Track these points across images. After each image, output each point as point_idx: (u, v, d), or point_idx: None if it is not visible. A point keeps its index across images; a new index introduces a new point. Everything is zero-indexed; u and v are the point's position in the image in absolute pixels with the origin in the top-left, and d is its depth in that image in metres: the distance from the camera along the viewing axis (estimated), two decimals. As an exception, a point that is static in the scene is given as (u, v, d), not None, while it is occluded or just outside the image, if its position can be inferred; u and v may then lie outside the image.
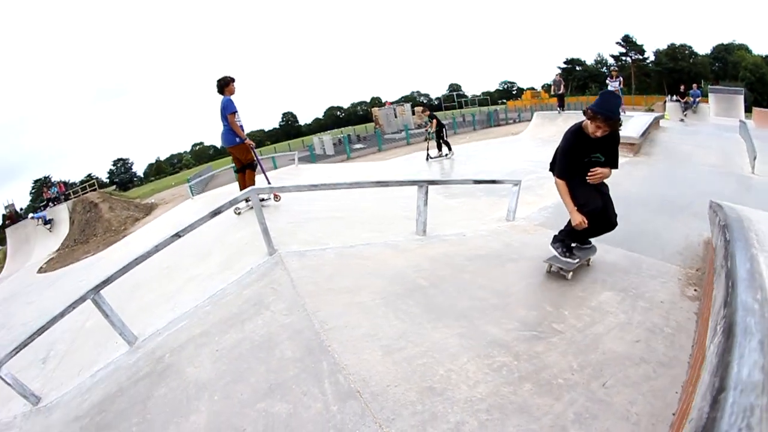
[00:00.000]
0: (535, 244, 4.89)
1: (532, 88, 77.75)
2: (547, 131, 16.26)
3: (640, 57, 70.36)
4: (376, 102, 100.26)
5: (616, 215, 3.86)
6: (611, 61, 73.39)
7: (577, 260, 3.95)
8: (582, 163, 3.70)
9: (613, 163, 3.76)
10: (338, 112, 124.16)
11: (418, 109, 46.80)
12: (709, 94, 23.93)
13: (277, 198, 7.24)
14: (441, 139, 14.54)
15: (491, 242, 5.21)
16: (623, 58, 71.75)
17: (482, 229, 5.88)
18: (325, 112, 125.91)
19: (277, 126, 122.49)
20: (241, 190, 7.27)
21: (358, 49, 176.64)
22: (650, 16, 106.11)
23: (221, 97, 6.90)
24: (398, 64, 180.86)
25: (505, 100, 76.00)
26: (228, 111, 6.82)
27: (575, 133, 3.64)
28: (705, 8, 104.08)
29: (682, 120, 21.04)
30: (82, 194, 28.44)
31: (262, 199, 7.18)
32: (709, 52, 64.95)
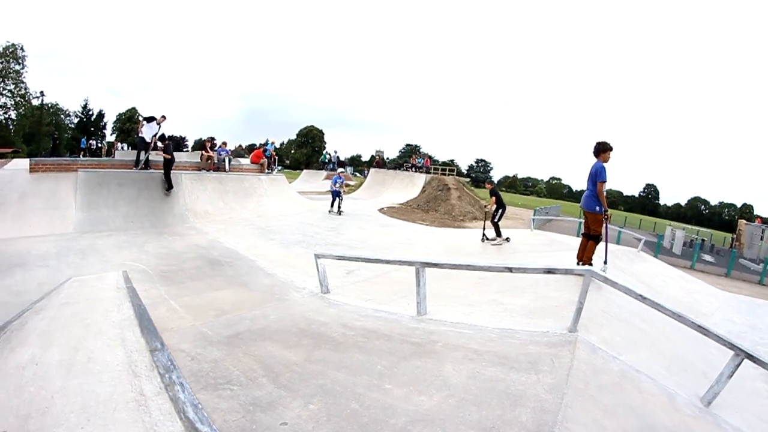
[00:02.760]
0: None
1: None
2: None
3: None
4: (746, 211, 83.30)
5: None
6: None
7: None
8: None
9: None
10: (703, 207, 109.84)
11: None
12: None
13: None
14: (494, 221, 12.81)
15: None
16: None
17: None
18: (688, 201, 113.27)
19: (636, 195, 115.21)
20: (579, 255, 7.48)
21: (736, 144, 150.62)
22: None
23: (595, 160, 7.03)
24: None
25: None
26: (599, 179, 6.90)
27: None
28: None
29: None
30: (441, 174, 33.19)
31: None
32: None
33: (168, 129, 14.29)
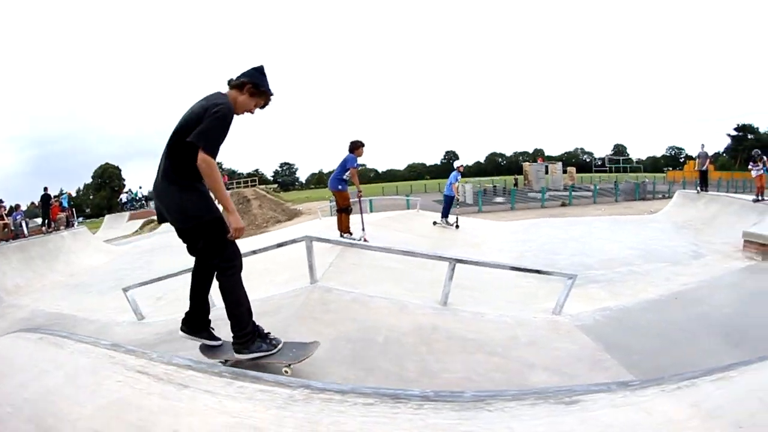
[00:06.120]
0: (542, 344, 5.25)
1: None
2: (685, 214, 15.15)
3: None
4: (538, 154, 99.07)
5: None
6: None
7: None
8: None
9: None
10: (500, 159, 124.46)
11: (572, 169, 45.30)
12: None
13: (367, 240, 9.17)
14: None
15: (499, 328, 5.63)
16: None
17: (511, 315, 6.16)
18: (486, 157, 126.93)
19: (439, 163, 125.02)
20: (339, 227, 9.50)
21: (524, 98, 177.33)
22: None
23: (347, 153, 9.06)
24: (565, 117, 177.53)
25: (669, 168, 74.02)
26: (351, 165, 9.01)
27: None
28: None
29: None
30: (241, 188, 34.40)
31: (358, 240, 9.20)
32: None
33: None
